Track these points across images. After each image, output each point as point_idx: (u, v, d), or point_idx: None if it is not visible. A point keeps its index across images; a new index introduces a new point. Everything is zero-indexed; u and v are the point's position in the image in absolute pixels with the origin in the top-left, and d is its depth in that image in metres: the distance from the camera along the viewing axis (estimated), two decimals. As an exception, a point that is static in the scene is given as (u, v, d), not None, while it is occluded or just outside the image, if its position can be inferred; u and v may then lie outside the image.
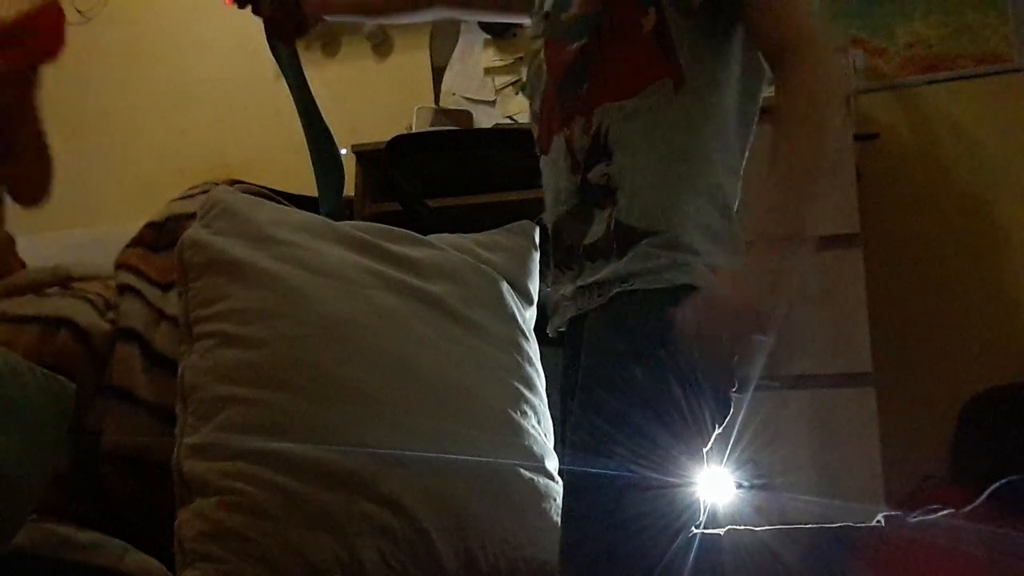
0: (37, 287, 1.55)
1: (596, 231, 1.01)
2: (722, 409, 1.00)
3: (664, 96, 1.00)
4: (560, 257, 1.08)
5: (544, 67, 1.11)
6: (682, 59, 1.01)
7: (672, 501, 0.96)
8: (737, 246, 1.03)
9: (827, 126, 0.97)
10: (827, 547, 0.97)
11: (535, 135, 1.14)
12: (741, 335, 0.91)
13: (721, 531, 0.98)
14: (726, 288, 0.92)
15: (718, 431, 1.01)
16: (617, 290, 0.98)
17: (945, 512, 0.95)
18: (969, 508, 0.94)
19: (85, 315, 1.45)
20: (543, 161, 1.12)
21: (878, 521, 0.97)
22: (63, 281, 1.57)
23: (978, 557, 0.96)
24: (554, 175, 1.08)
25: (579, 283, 1.02)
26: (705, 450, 0.99)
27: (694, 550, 0.94)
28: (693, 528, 0.97)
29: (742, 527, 0.98)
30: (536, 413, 1.46)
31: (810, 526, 0.98)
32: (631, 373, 0.95)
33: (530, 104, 1.17)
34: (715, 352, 0.92)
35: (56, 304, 1.46)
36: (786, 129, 0.96)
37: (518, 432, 1.41)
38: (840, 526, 0.98)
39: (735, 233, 1.03)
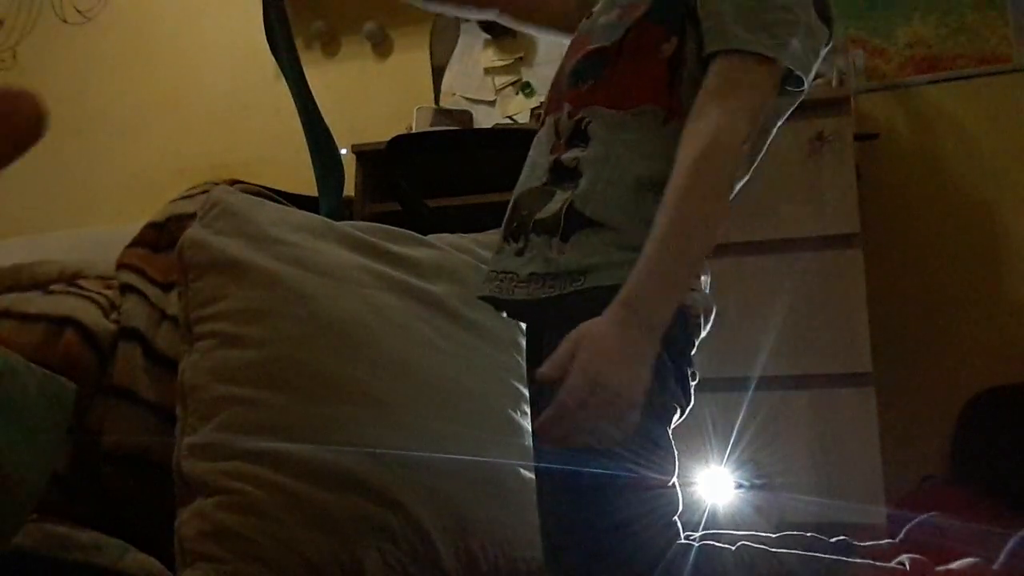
0: (43, 284, 1.55)
1: (550, 208, 1.03)
2: (685, 397, 1.01)
3: (651, 122, 1.01)
4: (510, 228, 1.09)
5: (564, 58, 1.15)
6: (683, 95, 1.01)
7: (669, 498, 0.96)
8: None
9: (704, 199, 0.94)
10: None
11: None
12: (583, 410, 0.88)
13: (733, 546, 0.98)
14: (583, 351, 0.89)
15: (680, 419, 1.01)
16: (572, 288, 0.98)
17: (973, 560, 0.94)
18: (999, 563, 0.93)
19: (91, 316, 1.45)
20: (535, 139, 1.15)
21: (900, 563, 0.97)
22: (69, 278, 1.57)
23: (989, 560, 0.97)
24: (535, 151, 1.11)
25: (532, 268, 1.02)
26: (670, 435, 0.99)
27: (694, 555, 0.94)
28: (694, 530, 0.97)
29: (755, 546, 0.97)
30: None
31: (827, 557, 0.98)
32: None
33: None
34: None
35: (62, 303, 1.46)
36: (669, 192, 0.94)
37: (518, 432, 1.41)
38: (862, 563, 0.97)
39: None
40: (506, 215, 1.11)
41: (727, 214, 0.97)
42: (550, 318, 1.00)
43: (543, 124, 1.12)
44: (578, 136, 1.04)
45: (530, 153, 1.13)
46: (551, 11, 1.32)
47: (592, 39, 1.09)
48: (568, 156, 1.04)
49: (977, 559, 0.95)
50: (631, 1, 1.08)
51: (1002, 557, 0.95)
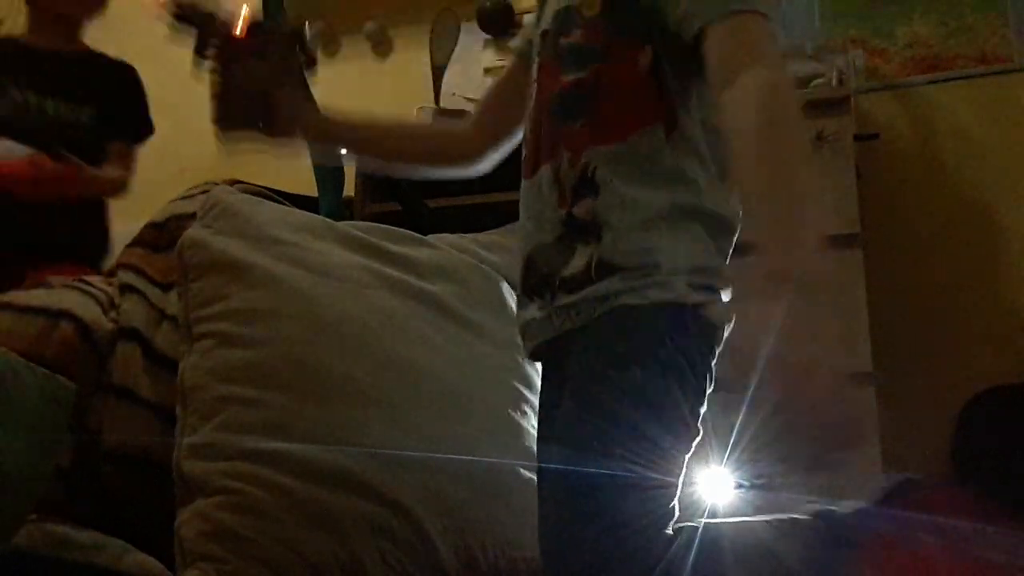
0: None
1: (576, 264, 1.00)
2: (702, 403, 1.01)
3: (654, 142, 0.98)
4: (531, 284, 1.06)
5: (535, 89, 1.09)
6: (676, 101, 0.99)
7: (670, 501, 0.96)
8: (722, 268, 1.02)
9: (788, 138, 0.88)
10: (829, 547, 0.98)
11: (523, 154, 1.11)
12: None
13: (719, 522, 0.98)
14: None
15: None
16: (601, 310, 0.97)
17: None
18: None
19: (90, 311, 1.45)
20: (525, 184, 1.09)
21: (854, 511, 0.97)
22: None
23: (986, 559, 0.97)
24: (537, 202, 1.06)
25: (555, 304, 1.01)
26: (694, 447, 0.99)
27: (694, 556, 0.94)
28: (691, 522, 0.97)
29: (754, 544, 0.98)
30: (536, 413, 1.46)
31: (806, 518, 0.99)
32: (631, 373, 0.95)
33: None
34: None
35: (62, 297, 1.46)
36: (742, 157, 0.89)
37: (518, 432, 1.41)
38: (840, 527, 0.98)
39: (719, 268, 1.02)
40: (521, 270, 1.08)
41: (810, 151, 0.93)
42: (578, 333, 1.00)
43: (534, 171, 1.06)
44: (585, 185, 1.00)
45: (528, 203, 1.08)
46: (514, 117, 1.18)
47: (563, 68, 1.04)
48: (581, 209, 1.00)
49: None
50: (589, 17, 1.02)
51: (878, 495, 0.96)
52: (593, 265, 0.98)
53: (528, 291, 1.07)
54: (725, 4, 0.94)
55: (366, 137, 1.29)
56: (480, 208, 2.30)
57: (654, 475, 0.94)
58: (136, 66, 2.36)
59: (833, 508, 1.01)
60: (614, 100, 1.00)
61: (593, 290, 0.97)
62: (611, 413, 0.94)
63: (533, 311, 1.05)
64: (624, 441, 0.93)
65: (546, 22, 1.08)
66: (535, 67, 1.10)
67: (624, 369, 0.95)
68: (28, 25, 1.96)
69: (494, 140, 1.25)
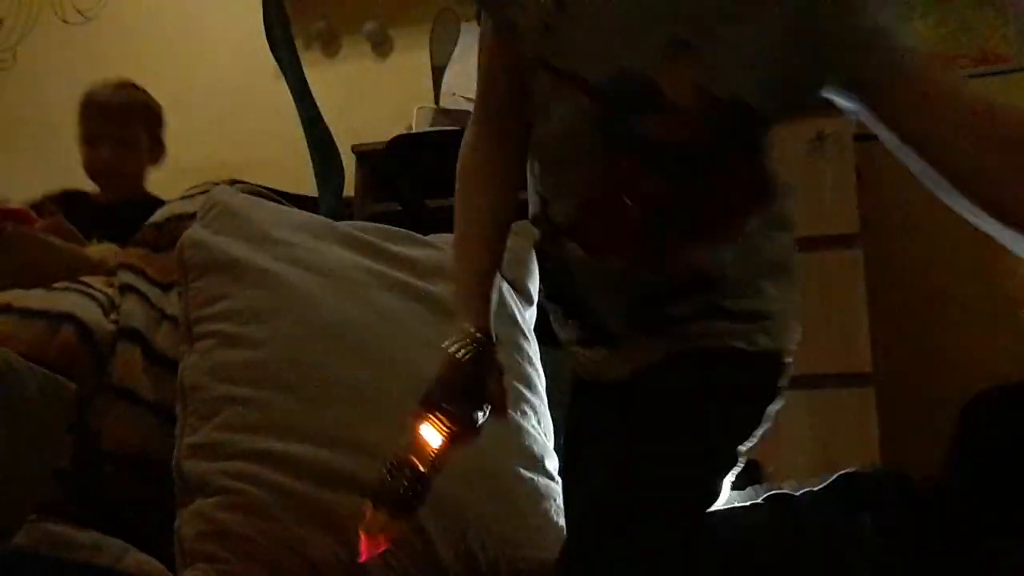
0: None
1: (683, 308, 0.99)
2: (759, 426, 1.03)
3: (761, 223, 1.00)
4: (634, 323, 1.03)
5: (588, 159, 0.96)
6: (772, 182, 1.00)
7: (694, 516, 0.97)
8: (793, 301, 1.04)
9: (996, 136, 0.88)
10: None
11: (563, 212, 1.01)
12: None
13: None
14: None
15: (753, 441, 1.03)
16: (703, 344, 0.98)
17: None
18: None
19: (90, 313, 1.45)
20: (584, 256, 1.00)
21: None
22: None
23: (986, 559, 0.98)
24: (623, 281, 1.00)
25: (659, 331, 1.01)
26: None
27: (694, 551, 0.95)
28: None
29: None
30: (536, 413, 1.46)
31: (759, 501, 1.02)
32: (696, 395, 0.98)
33: (550, 168, 1.01)
34: None
35: (63, 300, 1.46)
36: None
37: (518, 432, 1.41)
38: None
39: (794, 294, 1.05)
40: (619, 317, 1.04)
41: None
42: (665, 369, 1.00)
43: (598, 252, 0.99)
44: (699, 274, 0.98)
45: (601, 277, 1.01)
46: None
47: (654, 169, 0.92)
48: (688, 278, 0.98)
49: None
50: (676, 104, 0.88)
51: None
52: (705, 308, 0.99)
53: (633, 329, 1.04)
54: (901, 57, 0.90)
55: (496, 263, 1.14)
56: (480, 208, 2.29)
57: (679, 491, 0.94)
58: (138, 67, 2.39)
59: (785, 491, 1.05)
60: (724, 207, 0.97)
61: (701, 327, 0.99)
62: (666, 430, 0.96)
63: (638, 341, 1.04)
64: (662, 454, 0.94)
65: (587, 71, 0.91)
66: (592, 137, 0.94)
67: (695, 393, 0.97)
68: (99, 184, 2.43)
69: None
